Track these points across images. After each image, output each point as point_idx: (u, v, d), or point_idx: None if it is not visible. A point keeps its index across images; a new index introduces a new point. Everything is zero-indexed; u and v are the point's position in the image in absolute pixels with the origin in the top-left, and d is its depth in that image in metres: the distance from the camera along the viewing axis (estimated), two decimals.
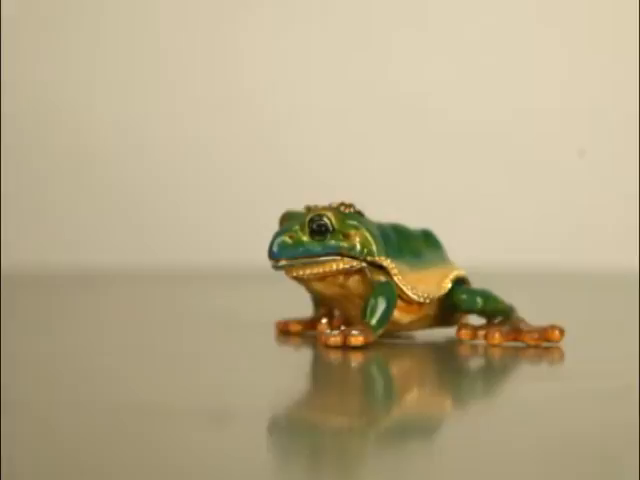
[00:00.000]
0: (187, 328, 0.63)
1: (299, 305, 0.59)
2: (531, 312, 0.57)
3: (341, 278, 0.53)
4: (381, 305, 0.52)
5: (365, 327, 0.52)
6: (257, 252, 0.58)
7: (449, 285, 0.55)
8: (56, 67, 1.14)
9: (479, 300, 0.55)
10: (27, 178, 1.13)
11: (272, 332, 0.59)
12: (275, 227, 0.54)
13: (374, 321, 0.52)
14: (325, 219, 0.53)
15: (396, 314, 0.54)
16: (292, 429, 0.39)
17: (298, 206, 0.55)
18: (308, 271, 0.53)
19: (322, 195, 0.58)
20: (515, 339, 0.54)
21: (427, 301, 0.54)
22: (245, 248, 0.56)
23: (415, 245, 0.56)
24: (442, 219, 0.63)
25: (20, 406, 0.41)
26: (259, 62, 1.14)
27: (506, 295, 0.56)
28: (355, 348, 0.52)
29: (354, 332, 0.52)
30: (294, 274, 0.53)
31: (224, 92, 1.14)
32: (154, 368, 0.49)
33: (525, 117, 1.13)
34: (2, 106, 1.12)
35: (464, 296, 0.55)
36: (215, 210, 1.13)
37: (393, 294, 0.53)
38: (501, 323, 0.55)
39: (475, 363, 0.53)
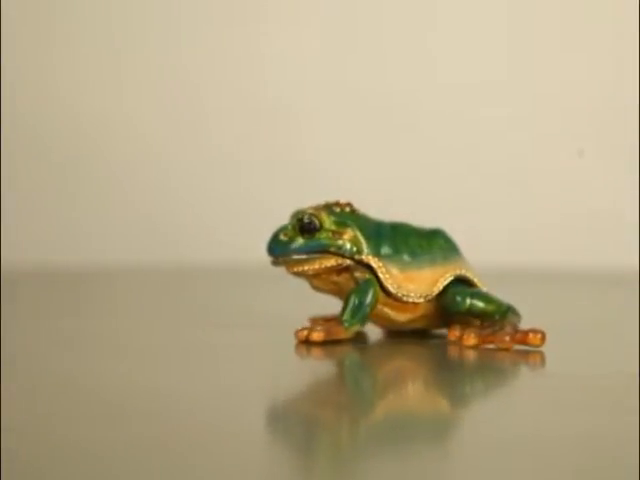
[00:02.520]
0: (205, 324, 0.63)
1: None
2: (529, 311, 0.56)
3: (333, 275, 0.55)
4: (356, 302, 0.54)
5: (335, 324, 0.54)
6: None
7: (442, 285, 0.55)
8: (56, 66, 1.14)
9: (467, 301, 0.54)
10: (28, 176, 1.13)
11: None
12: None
13: (347, 318, 0.54)
14: (313, 218, 0.54)
15: (392, 313, 0.55)
16: (285, 422, 0.39)
17: (315, 203, 0.56)
18: (300, 268, 0.54)
19: (337, 193, 0.59)
20: (491, 342, 0.53)
21: (412, 300, 0.54)
22: None
23: (416, 244, 0.56)
24: (441, 219, 0.63)
25: (20, 404, 0.41)
26: (262, 61, 1.14)
27: (504, 294, 0.56)
28: (375, 346, 0.53)
29: (317, 328, 0.53)
30: (290, 271, 0.55)
31: (229, 90, 1.14)
32: (155, 365, 0.50)
33: (524, 117, 1.13)
34: (2, 105, 1.12)
35: (453, 297, 0.54)
36: (228, 206, 1.13)
37: (372, 292, 0.54)
38: (490, 325, 0.54)
39: (446, 364, 0.52)
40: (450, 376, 0.49)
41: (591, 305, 0.80)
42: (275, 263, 0.55)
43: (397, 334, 0.57)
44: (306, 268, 0.54)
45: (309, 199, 0.58)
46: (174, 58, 1.14)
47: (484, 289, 0.56)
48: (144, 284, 0.94)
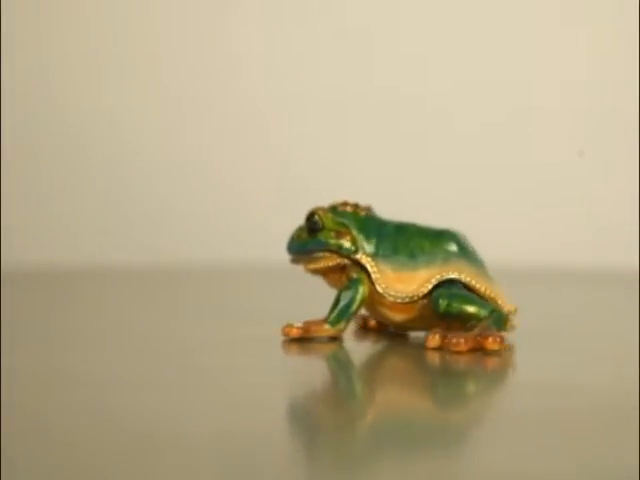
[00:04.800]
0: (201, 321, 0.63)
1: None
2: (525, 311, 0.56)
3: (338, 274, 0.56)
4: (342, 301, 0.55)
5: (319, 321, 0.55)
6: None
7: (429, 287, 0.54)
8: (57, 67, 1.14)
9: (444, 303, 0.54)
10: (28, 176, 1.13)
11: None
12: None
13: (332, 315, 0.55)
14: (316, 217, 0.56)
15: (388, 312, 0.56)
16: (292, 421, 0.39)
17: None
18: (310, 266, 0.57)
19: (340, 193, 0.60)
20: (447, 345, 0.52)
21: (398, 300, 0.55)
22: None
23: (416, 245, 0.56)
24: (440, 218, 0.63)
25: (20, 407, 0.41)
26: (264, 62, 1.14)
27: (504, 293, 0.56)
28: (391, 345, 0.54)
29: (296, 324, 0.55)
30: (304, 269, 0.57)
31: (230, 89, 1.14)
32: (156, 365, 0.50)
33: (524, 117, 1.13)
34: (2, 105, 1.12)
35: (435, 299, 0.54)
36: (226, 206, 1.13)
37: (357, 292, 0.55)
38: (468, 328, 0.53)
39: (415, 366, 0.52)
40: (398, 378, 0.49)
41: (590, 305, 0.80)
42: (292, 261, 0.57)
43: (389, 334, 0.58)
44: (313, 266, 0.56)
45: (308, 200, 0.59)
46: (170, 59, 1.14)
47: (491, 294, 0.55)
48: (143, 283, 0.94)
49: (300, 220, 0.57)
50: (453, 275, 0.55)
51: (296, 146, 1.14)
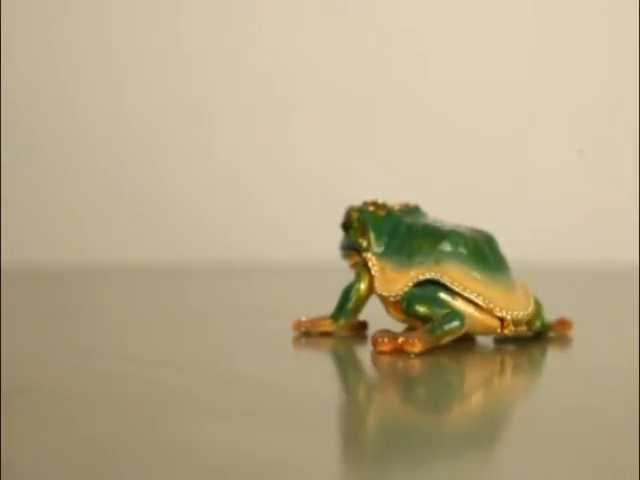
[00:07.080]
0: (217, 324, 0.63)
1: None
2: None
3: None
4: (341, 298, 0.57)
5: (324, 317, 0.57)
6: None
7: (410, 286, 0.54)
8: (56, 67, 1.14)
9: (404, 303, 0.54)
10: (28, 176, 1.13)
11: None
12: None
13: (334, 312, 0.57)
14: (346, 216, 0.58)
15: (392, 311, 0.56)
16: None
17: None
18: (347, 263, 0.58)
19: (337, 194, 0.61)
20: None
21: (385, 299, 0.55)
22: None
23: (417, 245, 0.55)
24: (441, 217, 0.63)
25: (20, 404, 0.41)
26: (265, 61, 1.14)
27: None
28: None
29: (302, 319, 0.57)
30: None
31: (229, 88, 1.14)
32: (157, 363, 0.50)
33: (524, 116, 1.13)
34: (2, 104, 1.12)
35: (401, 299, 0.54)
36: (227, 206, 1.13)
37: (355, 289, 0.56)
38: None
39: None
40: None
41: (589, 303, 0.80)
42: (341, 257, 0.59)
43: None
44: (348, 264, 0.58)
45: (321, 201, 0.60)
46: (169, 58, 1.14)
47: (477, 297, 0.53)
48: (144, 283, 0.94)
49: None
50: (435, 276, 0.54)
51: (309, 146, 1.14)
